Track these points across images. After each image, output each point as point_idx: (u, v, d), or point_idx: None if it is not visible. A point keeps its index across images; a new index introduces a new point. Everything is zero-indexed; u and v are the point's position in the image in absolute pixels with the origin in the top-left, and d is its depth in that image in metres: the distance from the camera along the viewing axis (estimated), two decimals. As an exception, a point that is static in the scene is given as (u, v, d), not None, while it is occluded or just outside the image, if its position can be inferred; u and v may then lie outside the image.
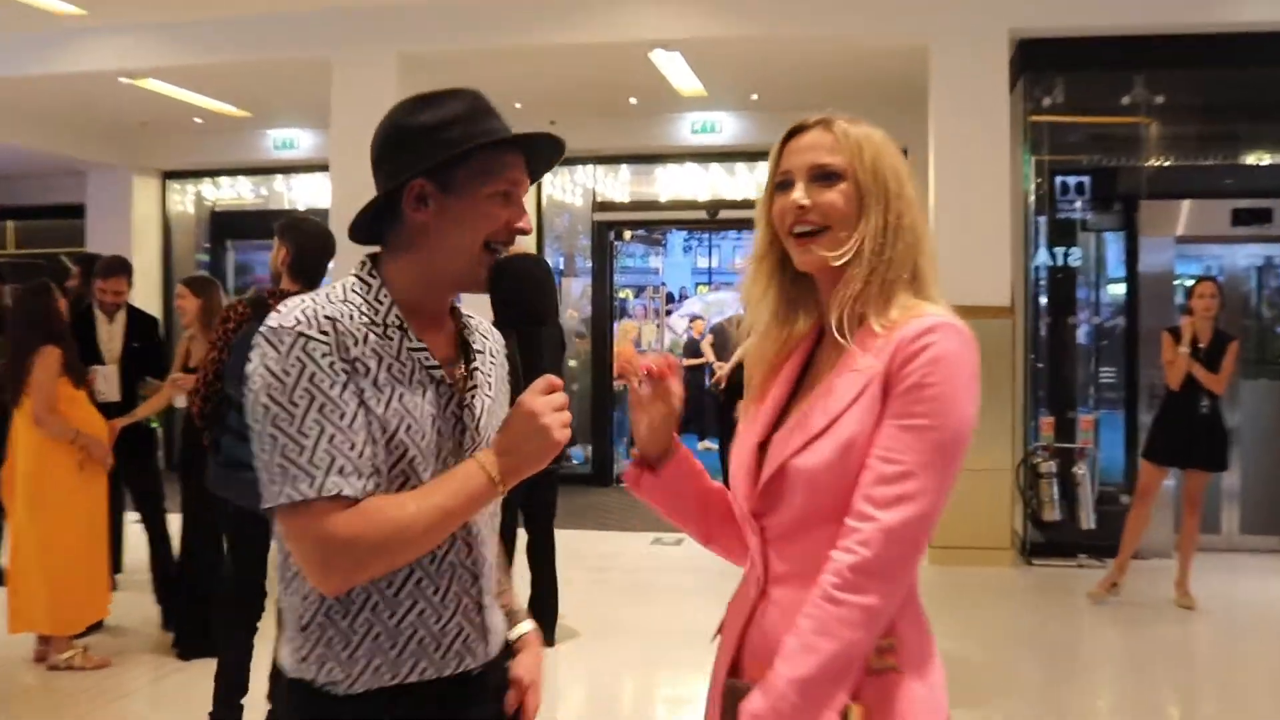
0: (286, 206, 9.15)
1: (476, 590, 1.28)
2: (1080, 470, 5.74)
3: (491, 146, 1.24)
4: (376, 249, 1.29)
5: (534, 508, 4.24)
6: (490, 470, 1.20)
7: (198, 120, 8.30)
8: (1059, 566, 5.83)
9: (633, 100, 7.74)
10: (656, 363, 1.34)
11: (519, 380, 1.34)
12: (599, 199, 8.73)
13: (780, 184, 1.29)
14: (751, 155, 8.26)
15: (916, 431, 1.16)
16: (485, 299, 1.29)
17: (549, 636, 4.36)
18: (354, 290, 1.24)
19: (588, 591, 5.14)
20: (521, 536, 4.30)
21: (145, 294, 5.11)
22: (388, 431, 1.19)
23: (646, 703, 4.06)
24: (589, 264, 8.84)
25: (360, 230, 1.29)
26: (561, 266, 8.97)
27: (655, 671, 4.13)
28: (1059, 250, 6.17)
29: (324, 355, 1.16)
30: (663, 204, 8.75)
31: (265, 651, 2.70)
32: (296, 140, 8.76)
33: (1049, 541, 5.93)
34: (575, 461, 8.42)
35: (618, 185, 8.81)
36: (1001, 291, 5.73)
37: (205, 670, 4.01)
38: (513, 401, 1.28)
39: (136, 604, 4.67)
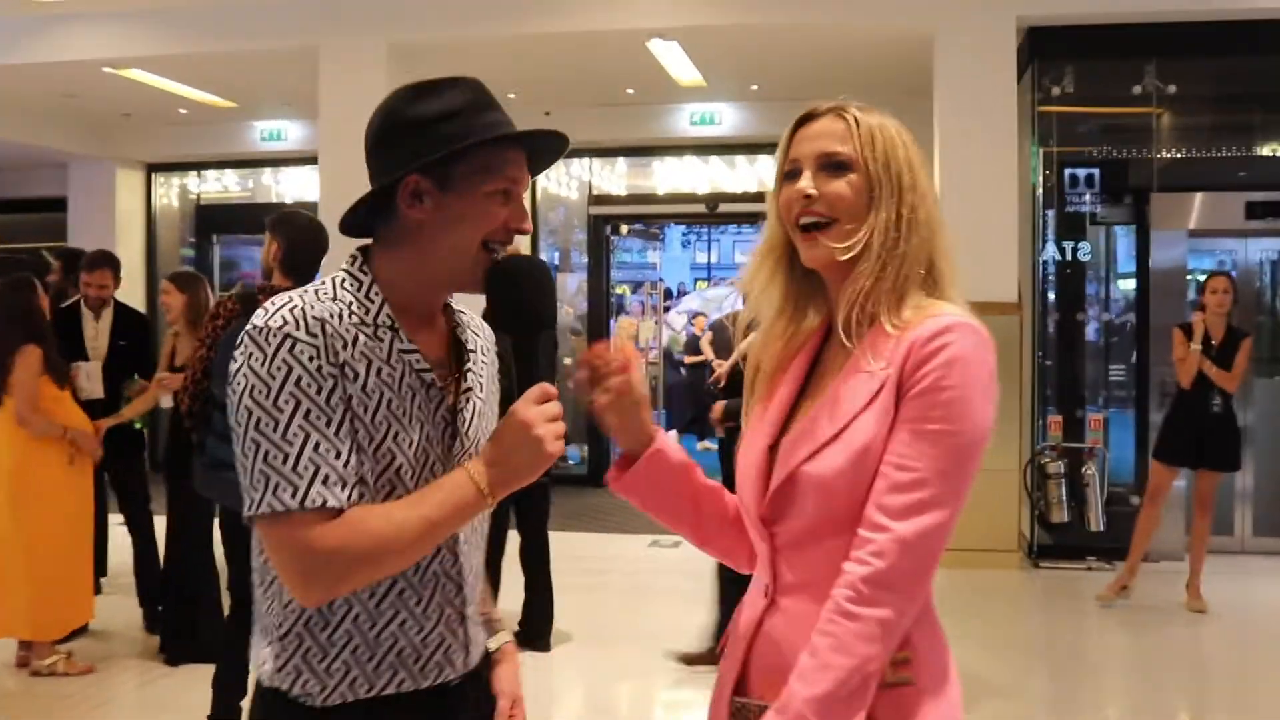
0: (274, 200, 9.13)
1: (460, 601, 1.26)
2: (1089, 470, 5.74)
3: (492, 142, 1.20)
4: (368, 240, 1.26)
5: (526, 509, 4.20)
6: (479, 481, 1.16)
7: (182, 111, 8.24)
8: (1067, 569, 5.81)
9: (630, 91, 7.71)
10: (613, 359, 1.27)
11: (512, 381, 1.24)
12: (595, 192, 8.70)
13: (788, 173, 1.26)
14: (752, 147, 8.22)
15: (931, 437, 1.13)
16: (479, 297, 1.26)
17: (544, 642, 4.30)
18: (344, 287, 1.21)
19: (584, 595, 5.09)
20: (514, 539, 4.24)
21: (129, 290, 5.03)
22: (375, 440, 1.16)
23: (645, 710, 4.00)
24: (585, 259, 8.81)
25: (352, 223, 1.25)
26: (557, 261, 8.95)
27: (653, 677, 4.07)
28: (1068, 244, 6.13)
29: (311, 359, 1.13)
30: (661, 197, 8.74)
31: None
32: (284, 132, 8.71)
33: (1057, 543, 5.91)
34: (571, 462, 8.35)
35: (614, 178, 8.76)
36: (1008, 287, 5.69)
37: (192, 675, 3.99)
38: (503, 400, 1.26)
39: (121, 608, 4.64)
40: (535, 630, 4.27)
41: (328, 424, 1.12)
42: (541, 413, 1.17)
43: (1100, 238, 6.44)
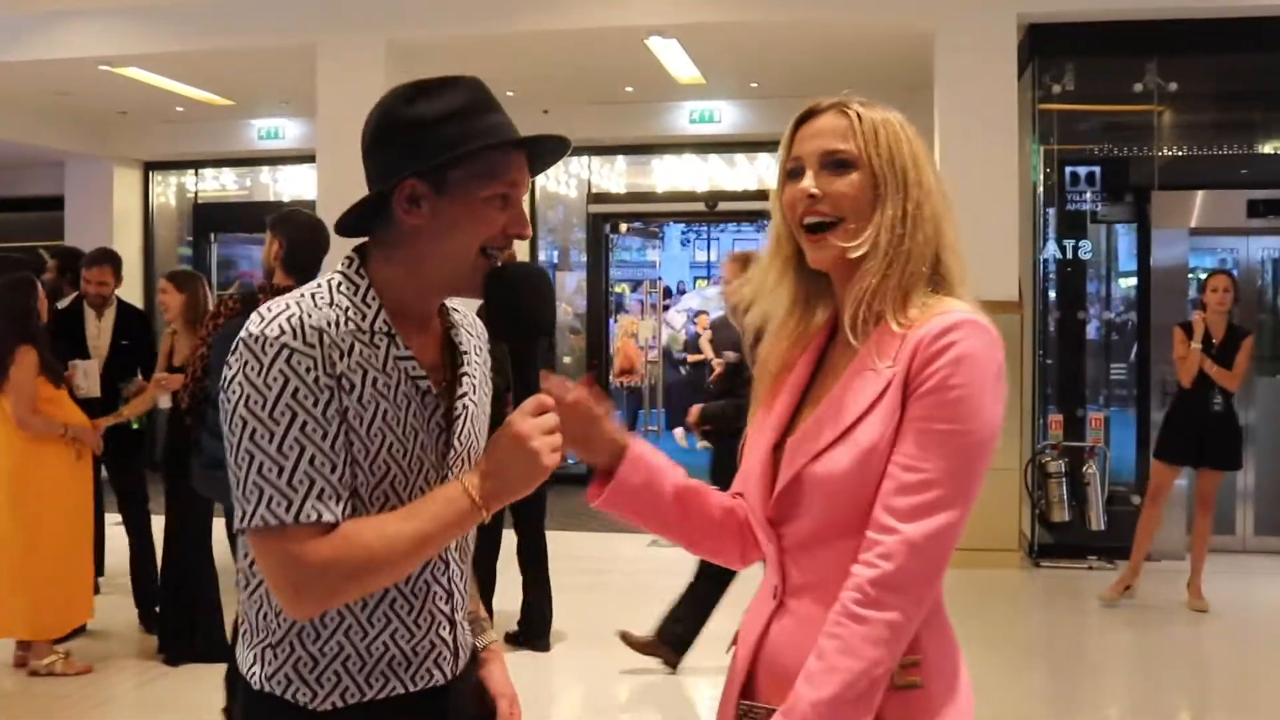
0: (272, 198, 9.11)
1: (450, 607, 1.26)
2: (1090, 470, 5.72)
3: (491, 147, 1.18)
4: (364, 239, 1.24)
5: (523, 509, 4.19)
6: (474, 494, 1.15)
7: (180, 109, 8.22)
8: (1068, 568, 5.80)
9: (629, 88, 7.69)
10: (559, 394, 1.24)
11: (508, 381, 1.23)
12: (594, 190, 8.69)
13: (791, 172, 1.24)
14: (751, 145, 8.20)
15: (939, 437, 1.12)
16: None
17: (544, 642, 4.29)
18: (340, 290, 1.19)
19: (584, 595, 5.08)
20: (511, 539, 4.23)
21: (126, 289, 5.00)
22: (370, 452, 1.15)
23: (645, 710, 3.97)
24: (584, 257, 8.80)
25: (348, 225, 1.24)
26: (556, 260, 8.92)
27: (653, 677, 4.04)
28: (1068, 243, 6.11)
29: (309, 370, 1.12)
30: (660, 195, 8.73)
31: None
32: (282, 130, 8.69)
33: (1058, 543, 5.91)
34: (570, 461, 8.28)
35: (613, 176, 8.74)
36: (1009, 285, 5.68)
37: (191, 675, 3.99)
38: (496, 399, 1.24)
39: (119, 608, 4.63)
40: (534, 630, 4.25)
41: (323, 437, 1.11)
42: (538, 425, 1.16)
43: (1101, 236, 6.42)
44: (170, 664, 4.07)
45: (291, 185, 9.06)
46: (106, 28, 6.49)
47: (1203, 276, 5.46)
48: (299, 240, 3.07)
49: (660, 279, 11.79)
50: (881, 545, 1.11)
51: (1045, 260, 6.09)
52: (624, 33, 6.11)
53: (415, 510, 1.15)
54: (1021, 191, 5.87)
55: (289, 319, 1.13)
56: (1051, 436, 5.85)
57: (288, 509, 1.09)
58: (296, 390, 1.11)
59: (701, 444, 4.22)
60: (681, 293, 13.62)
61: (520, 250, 8.39)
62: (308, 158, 7.84)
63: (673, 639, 3.94)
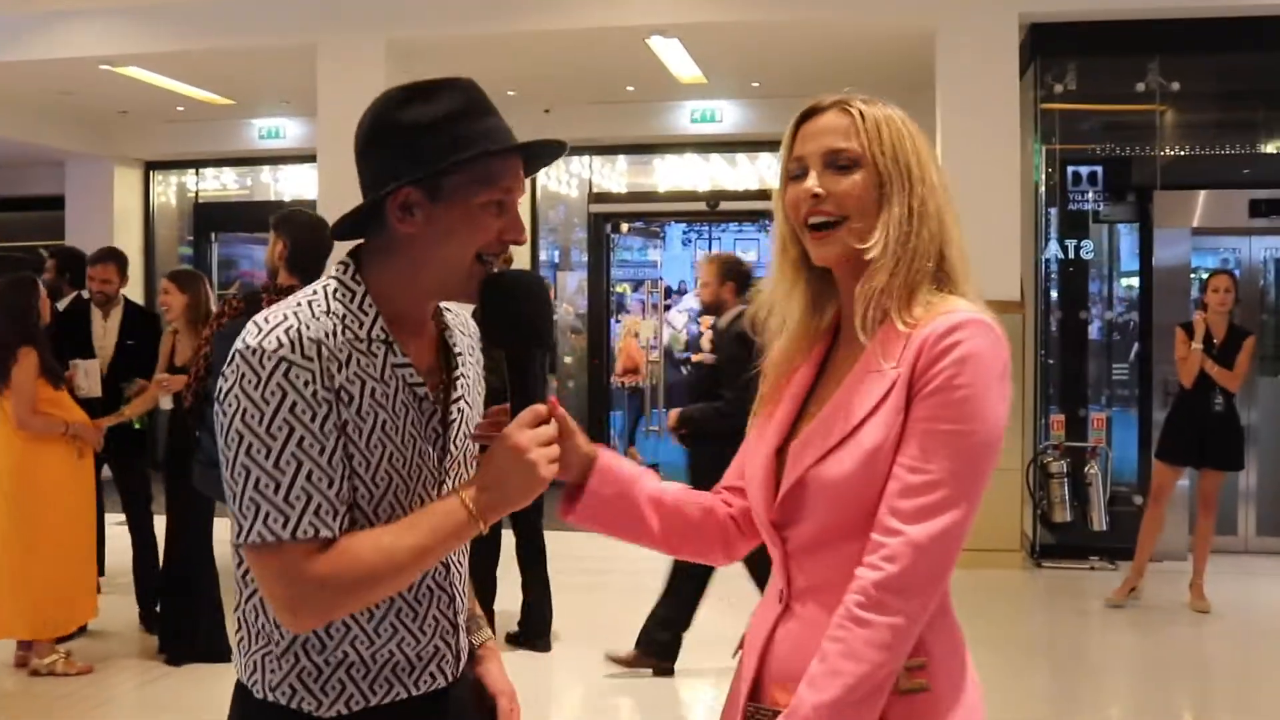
0: (272, 198, 9.11)
1: (452, 611, 1.26)
2: (1092, 470, 5.71)
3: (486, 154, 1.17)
4: (360, 240, 1.23)
5: (520, 510, 4.10)
6: (472, 506, 1.15)
7: (180, 109, 8.22)
8: (1070, 569, 5.79)
9: (630, 88, 7.69)
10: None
11: (503, 386, 1.22)
12: (595, 190, 8.68)
13: (793, 172, 1.23)
14: (753, 145, 8.19)
15: (944, 437, 1.11)
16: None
17: (544, 642, 4.28)
18: (337, 298, 1.17)
19: (584, 595, 5.06)
20: (509, 539, 4.21)
21: (127, 288, 4.98)
22: (371, 464, 1.15)
23: (645, 710, 3.96)
24: (585, 257, 8.79)
25: (343, 231, 1.23)
26: (557, 260, 8.90)
27: (654, 679, 4.02)
28: (1070, 242, 6.11)
29: (307, 384, 1.10)
30: (661, 195, 8.73)
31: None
32: (283, 129, 8.69)
33: (1059, 543, 5.90)
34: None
35: (615, 176, 8.74)
36: (1011, 285, 5.67)
37: (192, 675, 3.99)
38: (489, 399, 1.24)
39: (120, 608, 4.62)
40: (534, 630, 4.24)
41: (320, 452, 1.10)
42: (534, 437, 1.15)
43: (1103, 236, 6.41)
44: (171, 664, 4.06)
45: (292, 185, 9.06)
46: (107, 27, 6.49)
47: (1205, 276, 5.45)
48: (303, 240, 3.07)
49: (661, 279, 11.78)
50: (886, 548, 1.10)
51: (1047, 260, 6.08)
52: (625, 32, 6.11)
53: (413, 524, 1.14)
54: (1023, 191, 5.86)
55: (287, 331, 1.11)
56: (1053, 437, 5.83)
57: (284, 525, 1.09)
58: (294, 405, 1.09)
59: (676, 442, 4.20)
60: (683, 293, 13.60)
61: (522, 250, 8.41)
62: (308, 157, 7.84)
63: (658, 648, 3.93)
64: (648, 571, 5.72)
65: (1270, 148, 6.26)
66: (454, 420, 1.24)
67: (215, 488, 2.84)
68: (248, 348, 1.11)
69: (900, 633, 1.10)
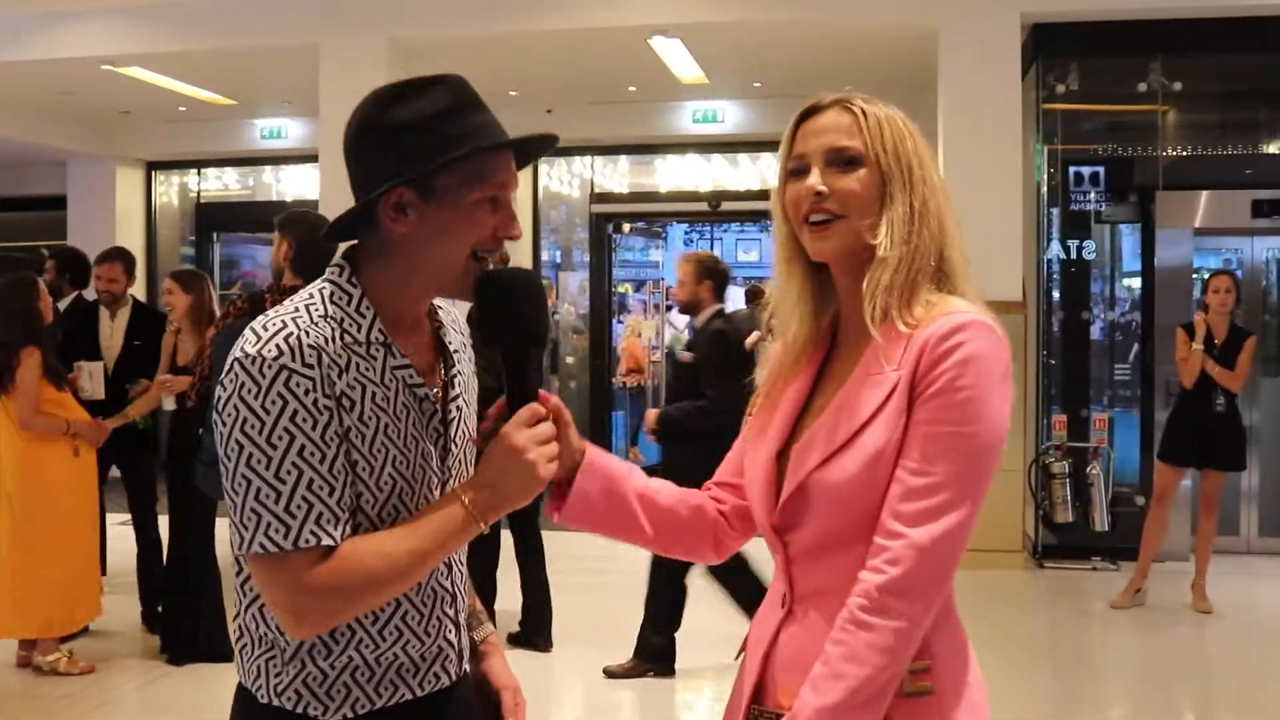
0: (274, 198, 9.11)
1: (454, 610, 1.26)
2: (1093, 470, 5.71)
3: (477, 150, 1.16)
4: (354, 241, 1.23)
5: (518, 511, 4.10)
6: (471, 507, 1.15)
7: (182, 109, 8.23)
8: (1072, 569, 5.78)
9: (632, 88, 7.69)
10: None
11: (499, 384, 1.22)
12: (597, 190, 8.68)
13: (794, 170, 1.22)
14: (754, 145, 8.19)
15: (946, 439, 1.10)
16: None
17: (544, 642, 4.27)
18: (333, 301, 1.16)
19: (584, 595, 5.06)
20: (507, 539, 4.20)
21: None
22: (375, 469, 1.14)
23: (645, 710, 3.95)
24: (587, 258, 8.78)
25: (338, 233, 1.23)
26: (559, 260, 8.90)
27: (654, 679, 4.01)
28: (1072, 243, 6.11)
29: (307, 392, 1.09)
30: (663, 195, 8.73)
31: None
32: (284, 129, 8.69)
33: (1061, 544, 5.89)
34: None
35: (616, 176, 8.73)
36: (1013, 285, 5.66)
37: (194, 675, 3.98)
38: (483, 399, 1.22)
39: (122, 607, 4.61)
40: (534, 630, 4.24)
41: (321, 460, 1.09)
42: (532, 436, 1.15)
43: (1105, 236, 6.41)
44: (173, 664, 4.06)
45: (294, 185, 9.06)
46: (109, 27, 6.49)
47: (1206, 277, 5.45)
48: (308, 241, 3.06)
49: (663, 279, 11.77)
50: (889, 551, 1.10)
51: (1049, 260, 6.08)
52: (627, 32, 6.11)
53: (413, 527, 1.14)
54: (1025, 191, 5.86)
55: (286, 338, 1.10)
56: (1055, 437, 5.83)
57: (286, 535, 1.08)
58: (295, 413, 1.09)
59: (653, 441, 4.19)
60: (684, 293, 13.59)
61: (524, 250, 8.41)
62: (310, 157, 7.84)
63: (654, 654, 3.92)
64: (646, 572, 5.73)
65: (1272, 148, 6.25)
66: (453, 418, 1.23)
67: (218, 488, 2.84)
68: (246, 356, 1.10)
69: (903, 636, 1.09)
